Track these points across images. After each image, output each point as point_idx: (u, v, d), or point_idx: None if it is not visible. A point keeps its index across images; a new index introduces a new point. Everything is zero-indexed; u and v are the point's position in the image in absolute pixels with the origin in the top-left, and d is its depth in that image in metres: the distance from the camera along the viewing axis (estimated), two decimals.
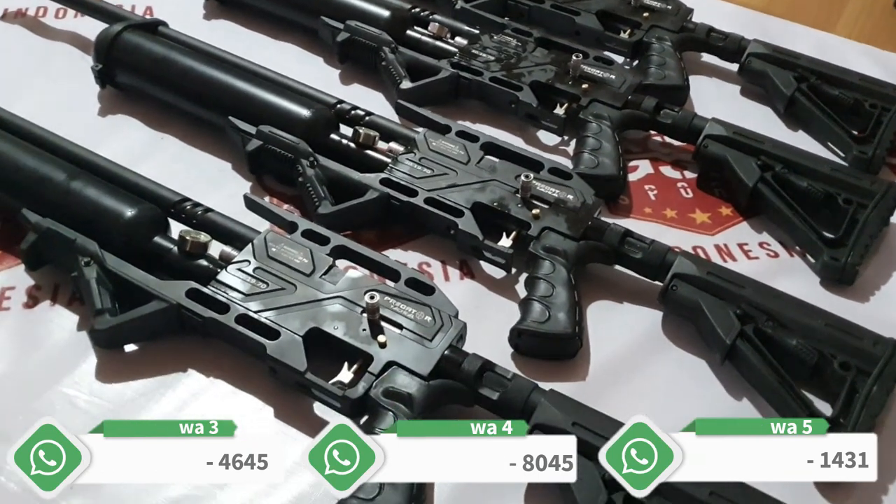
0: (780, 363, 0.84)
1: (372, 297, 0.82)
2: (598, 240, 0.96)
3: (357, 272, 0.89)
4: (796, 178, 1.04)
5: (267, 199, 1.01)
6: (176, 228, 0.92)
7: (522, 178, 0.98)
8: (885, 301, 0.99)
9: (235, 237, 0.90)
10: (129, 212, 0.89)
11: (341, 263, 0.89)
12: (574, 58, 1.15)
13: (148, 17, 1.22)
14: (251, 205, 0.95)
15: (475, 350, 0.82)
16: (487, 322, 0.90)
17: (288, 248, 0.88)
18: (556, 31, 1.26)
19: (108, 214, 0.89)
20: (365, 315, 0.82)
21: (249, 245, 0.88)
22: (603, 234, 0.96)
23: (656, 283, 0.94)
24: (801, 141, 1.18)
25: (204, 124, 1.09)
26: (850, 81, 1.21)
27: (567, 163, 1.08)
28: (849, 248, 0.99)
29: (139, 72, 1.11)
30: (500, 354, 0.87)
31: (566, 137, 1.14)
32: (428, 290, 0.86)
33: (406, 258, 0.96)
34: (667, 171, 1.14)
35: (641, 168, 1.14)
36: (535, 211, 0.97)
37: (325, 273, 0.86)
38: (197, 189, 0.98)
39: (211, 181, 1.05)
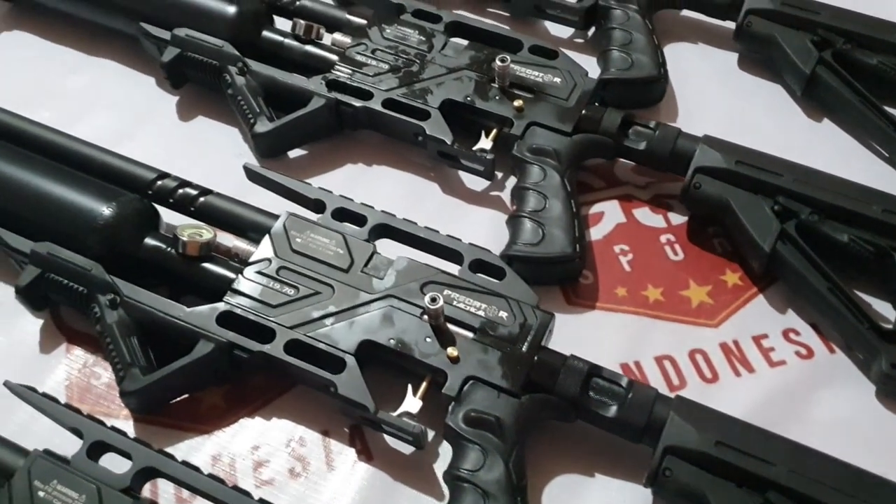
0: None
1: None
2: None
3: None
4: (829, 228, 0.71)
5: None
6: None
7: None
8: None
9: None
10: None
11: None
12: (499, 63, 0.79)
13: None
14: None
15: None
16: None
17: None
18: None
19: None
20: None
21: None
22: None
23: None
24: (828, 136, 0.85)
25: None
26: (894, 43, 0.85)
27: None
28: None
29: None
30: None
31: (499, 177, 0.81)
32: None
33: (264, 430, 0.66)
34: (643, 215, 0.79)
35: (608, 215, 0.79)
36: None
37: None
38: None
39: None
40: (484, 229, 0.78)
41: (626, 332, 0.72)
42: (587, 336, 0.71)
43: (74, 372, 0.69)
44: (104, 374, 0.69)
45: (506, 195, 0.81)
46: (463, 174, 0.82)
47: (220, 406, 0.67)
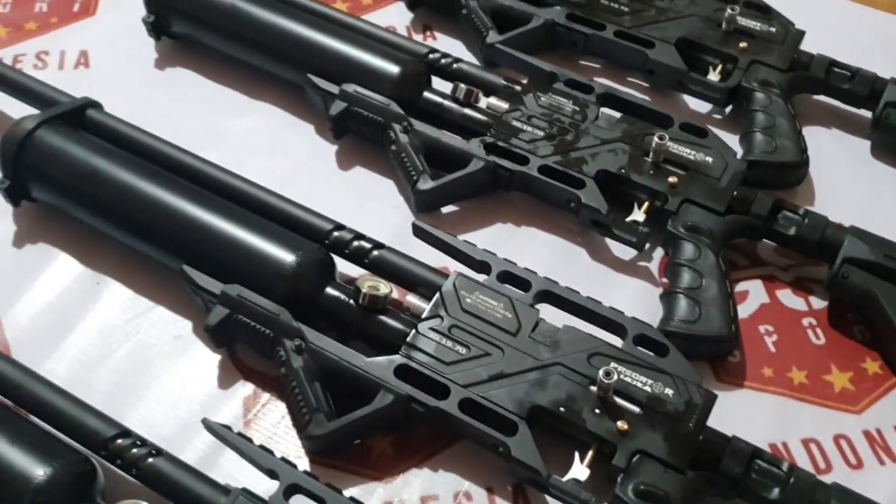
0: None
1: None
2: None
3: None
4: None
5: None
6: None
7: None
8: None
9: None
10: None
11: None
12: (657, 140, 0.84)
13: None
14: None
15: None
16: None
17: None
18: (623, 66, 0.99)
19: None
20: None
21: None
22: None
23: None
24: None
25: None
26: None
27: None
28: None
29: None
30: None
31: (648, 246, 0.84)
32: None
33: (431, 481, 0.69)
34: (786, 297, 0.83)
35: (752, 294, 0.82)
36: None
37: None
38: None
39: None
40: (630, 299, 0.80)
41: (773, 412, 0.75)
42: (736, 414, 0.73)
43: (251, 409, 0.73)
44: (277, 413, 0.72)
45: (653, 266, 0.84)
46: (610, 241, 0.85)
47: (389, 454, 0.70)
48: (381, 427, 0.69)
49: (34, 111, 0.85)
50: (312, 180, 0.89)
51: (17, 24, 1.03)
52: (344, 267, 0.78)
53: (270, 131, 0.95)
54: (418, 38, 1.04)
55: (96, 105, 0.85)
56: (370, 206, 0.87)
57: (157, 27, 0.98)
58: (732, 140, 0.92)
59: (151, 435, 0.65)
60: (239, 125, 0.95)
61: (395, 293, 0.75)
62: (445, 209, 0.88)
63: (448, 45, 1.03)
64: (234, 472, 0.67)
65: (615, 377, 0.66)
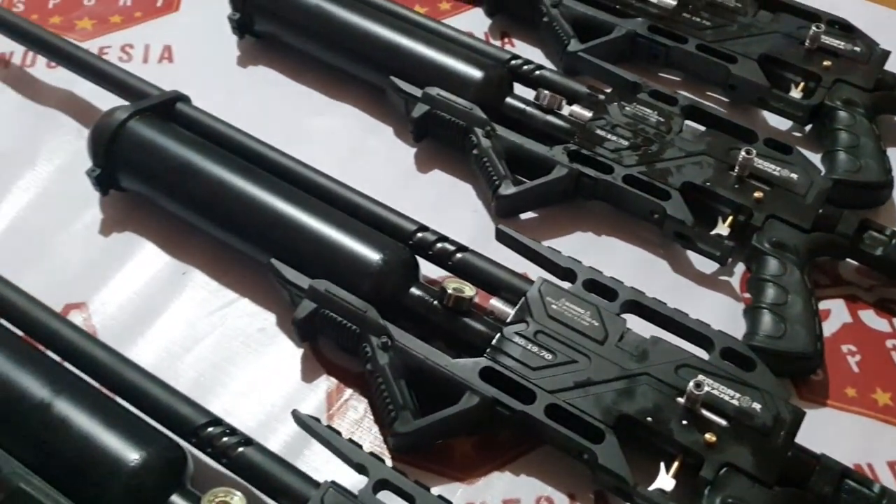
0: None
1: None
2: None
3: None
4: None
5: None
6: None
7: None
8: None
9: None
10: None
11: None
12: (744, 154, 0.83)
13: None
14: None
15: None
16: None
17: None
18: (704, 81, 0.99)
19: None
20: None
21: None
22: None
23: None
24: None
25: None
26: None
27: None
28: None
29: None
30: None
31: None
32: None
33: (513, 485, 0.69)
34: (869, 318, 0.82)
35: (834, 313, 0.82)
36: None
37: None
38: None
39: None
40: (710, 313, 0.78)
41: (857, 432, 0.74)
42: (819, 432, 0.72)
43: (333, 404, 0.73)
44: (359, 408, 0.73)
45: (734, 281, 0.83)
46: (690, 254, 0.84)
47: (471, 455, 0.70)
48: (464, 428, 0.69)
49: (117, 102, 0.86)
50: (390, 182, 0.90)
51: (102, 17, 1.05)
52: (424, 268, 0.78)
53: (349, 132, 0.95)
54: (496, 44, 1.04)
55: (185, 99, 0.86)
56: (448, 209, 0.88)
57: (241, 25, 0.99)
58: (812, 158, 0.91)
59: (235, 425, 0.65)
60: (318, 125, 0.96)
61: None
62: (524, 215, 0.88)
63: (526, 52, 1.03)
64: (319, 465, 0.67)
65: (705, 389, 0.66)
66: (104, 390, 0.65)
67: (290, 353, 0.76)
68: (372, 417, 0.72)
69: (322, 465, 0.67)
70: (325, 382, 0.74)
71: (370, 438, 0.71)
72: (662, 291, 0.77)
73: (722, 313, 0.80)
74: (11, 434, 0.61)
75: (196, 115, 0.85)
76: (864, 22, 1.02)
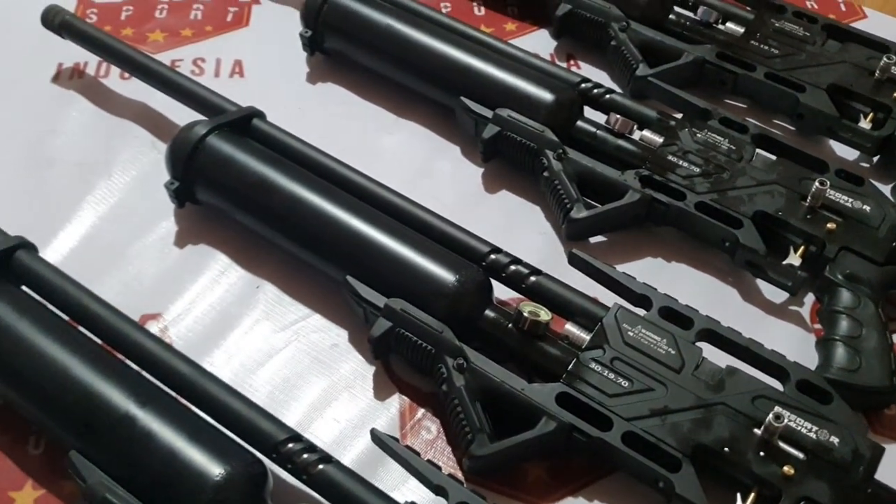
0: None
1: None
2: None
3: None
4: None
5: None
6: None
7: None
8: None
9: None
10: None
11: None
12: (818, 185, 0.83)
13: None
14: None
15: None
16: None
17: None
18: (770, 110, 0.99)
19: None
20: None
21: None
22: None
23: None
24: None
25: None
26: None
27: None
28: None
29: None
30: None
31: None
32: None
33: None
34: None
35: None
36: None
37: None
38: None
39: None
40: (781, 343, 0.78)
41: None
42: (894, 468, 0.72)
43: (406, 423, 0.73)
44: (432, 429, 0.73)
45: (804, 311, 0.83)
46: (760, 283, 0.84)
47: (544, 479, 0.70)
48: (540, 452, 0.69)
49: (191, 115, 0.87)
50: (457, 202, 0.90)
51: (173, 30, 1.07)
52: (497, 290, 0.78)
53: (416, 150, 0.96)
54: (562, 66, 1.05)
55: (261, 115, 0.87)
56: (516, 231, 0.88)
57: (312, 42, 1.00)
58: (882, 190, 0.91)
59: None
60: (386, 143, 0.97)
61: None
62: (592, 239, 0.88)
63: (592, 74, 1.03)
64: (391, 484, 0.68)
65: (784, 421, 0.66)
66: (186, 403, 0.66)
67: (364, 371, 0.77)
68: (444, 438, 0.72)
69: (395, 485, 0.67)
70: (398, 401, 0.75)
71: (443, 460, 0.71)
72: (731, 320, 0.77)
73: (792, 344, 0.80)
74: (97, 445, 0.62)
75: (271, 130, 0.86)
76: None
